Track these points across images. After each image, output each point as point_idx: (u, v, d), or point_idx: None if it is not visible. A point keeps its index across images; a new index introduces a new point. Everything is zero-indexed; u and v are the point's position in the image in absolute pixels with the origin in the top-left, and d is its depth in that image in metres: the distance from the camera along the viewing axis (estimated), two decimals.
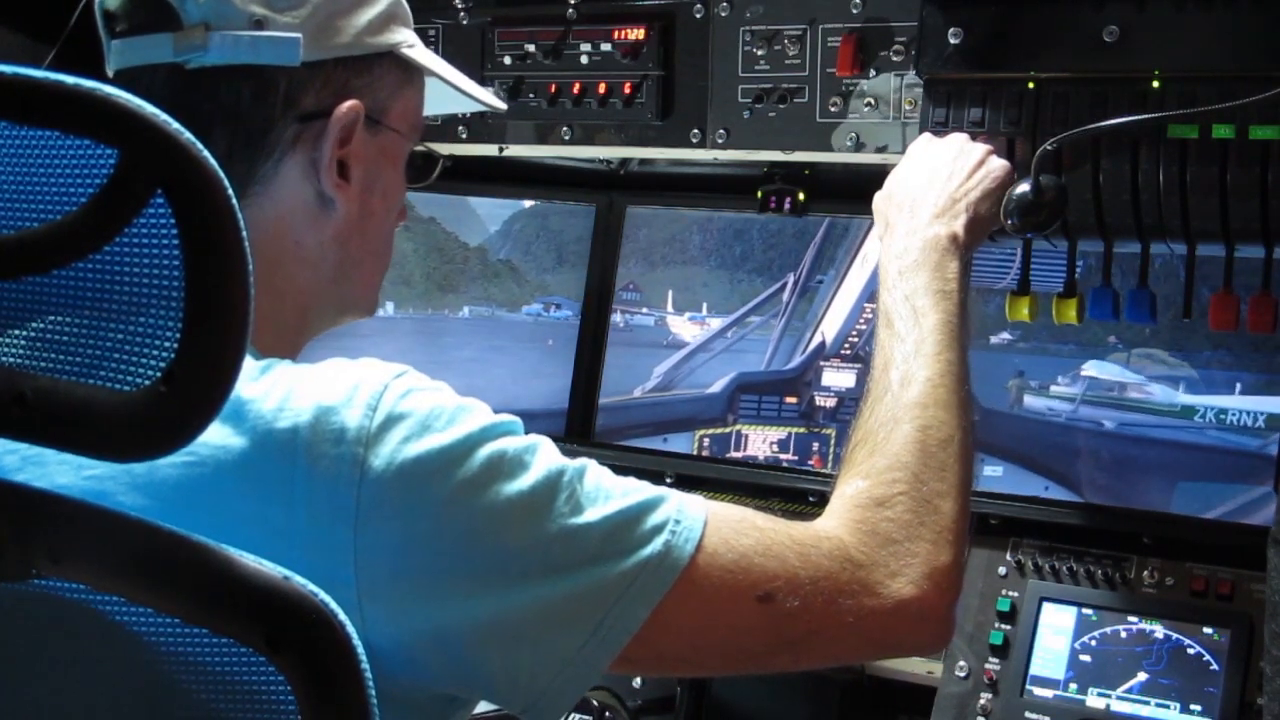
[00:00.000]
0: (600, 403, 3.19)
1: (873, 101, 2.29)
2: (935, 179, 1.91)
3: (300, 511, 1.25)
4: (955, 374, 1.69)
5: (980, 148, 1.97)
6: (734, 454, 3.09)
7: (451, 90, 1.75)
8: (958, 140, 2.00)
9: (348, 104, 1.53)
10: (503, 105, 1.91)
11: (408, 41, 1.63)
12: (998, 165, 1.96)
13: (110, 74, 1.52)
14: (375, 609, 1.27)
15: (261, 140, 1.50)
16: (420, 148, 1.69)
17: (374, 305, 1.69)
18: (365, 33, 1.56)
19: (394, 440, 1.28)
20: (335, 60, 1.54)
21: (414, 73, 1.65)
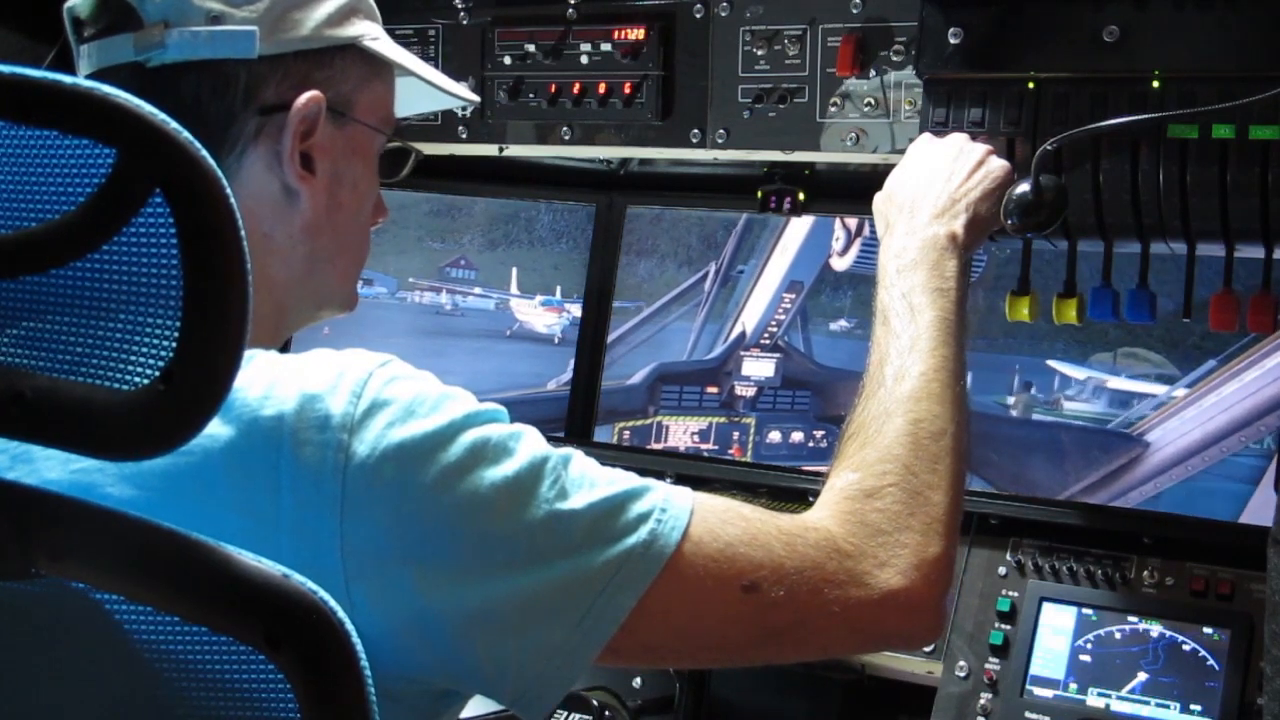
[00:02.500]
0: (509, 395, 3.21)
1: (872, 101, 2.29)
2: (935, 179, 1.92)
3: (286, 498, 1.26)
4: (950, 369, 1.69)
5: (980, 148, 1.98)
6: (654, 445, 3.10)
7: (426, 87, 1.76)
8: (957, 140, 2.00)
9: (307, 95, 1.55)
10: (475, 98, 1.92)
11: (370, 34, 1.63)
12: (997, 165, 1.96)
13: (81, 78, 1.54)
14: (362, 594, 1.27)
15: (223, 134, 1.52)
16: (394, 142, 1.70)
17: (352, 300, 1.71)
18: (325, 25, 1.58)
19: (378, 426, 1.29)
20: (295, 54, 1.56)
21: (380, 66, 1.66)
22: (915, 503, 1.55)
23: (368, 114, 1.63)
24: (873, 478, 1.56)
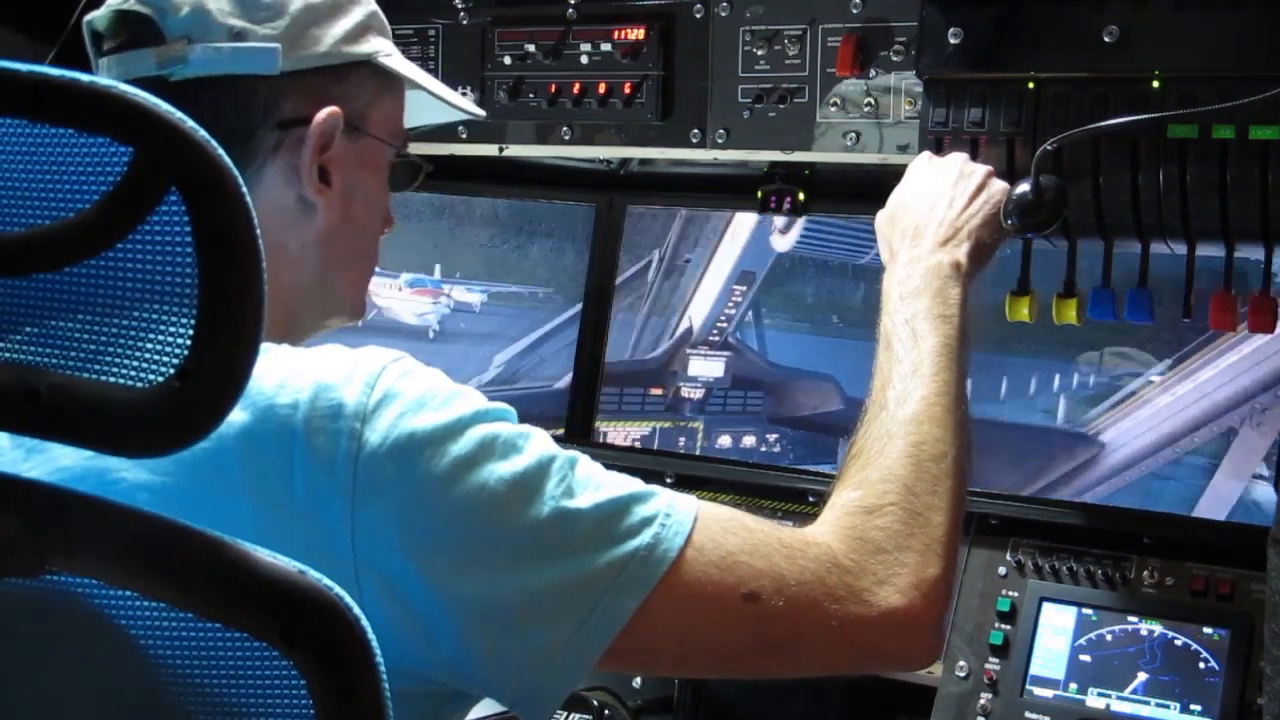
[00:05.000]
0: None
1: (872, 102, 2.29)
2: (938, 204, 1.92)
3: (299, 486, 1.28)
4: (952, 394, 1.70)
5: (980, 170, 1.97)
6: None
7: (431, 99, 1.79)
8: (957, 162, 1.99)
9: (326, 110, 1.58)
10: (481, 112, 1.95)
11: (384, 50, 1.67)
12: (998, 189, 1.96)
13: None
14: (371, 584, 1.29)
15: (243, 148, 1.54)
16: (405, 156, 1.73)
17: (361, 310, 1.74)
18: (342, 42, 1.61)
19: (390, 416, 1.31)
20: (313, 69, 1.59)
21: (392, 81, 1.69)
22: (916, 523, 1.56)
23: (379, 128, 1.67)
24: (874, 496, 1.57)
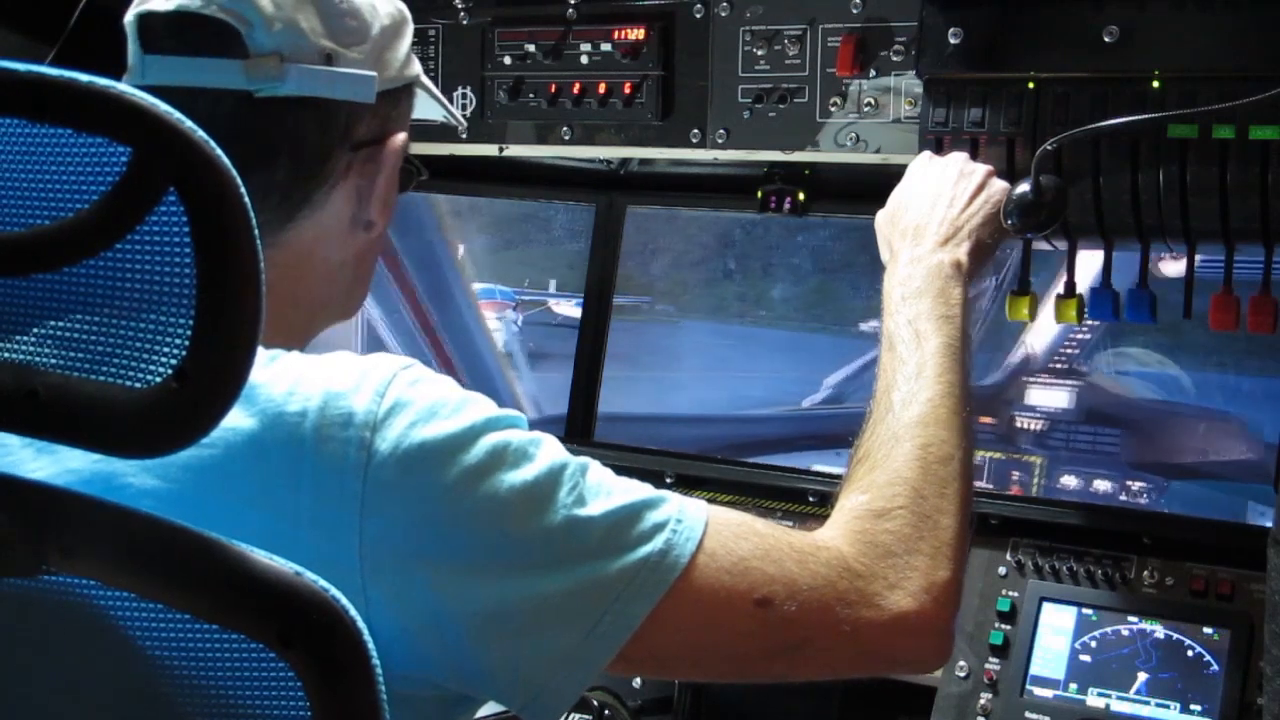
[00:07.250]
0: (767, 413, 3.12)
1: (872, 102, 2.29)
2: (938, 204, 1.92)
3: (307, 494, 1.27)
4: (956, 395, 1.70)
5: (980, 170, 1.98)
6: None
7: (425, 98, 1.81)
8: (957, 161, 2.00)
9: (401, 136, 1.62)
10: (464, 122, 1.98)
11: (420, 70, 1.71)
12: (998, 189, 1.96)
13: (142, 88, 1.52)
14: (379, 592, 1.28)
15: (320, 168, 1.55)
16: (408, 161, 1.75)
17: (359, 309, 1.77)
18: (403, 65, 1.64)
19: (400, 425, 1.30)
20: (381, 92, 1.60)
21: (412, 97, 1.72)
22: (924, 526, 1.56)
23: (405, 142, 1.68)
24: (882, 500, 1.57)
